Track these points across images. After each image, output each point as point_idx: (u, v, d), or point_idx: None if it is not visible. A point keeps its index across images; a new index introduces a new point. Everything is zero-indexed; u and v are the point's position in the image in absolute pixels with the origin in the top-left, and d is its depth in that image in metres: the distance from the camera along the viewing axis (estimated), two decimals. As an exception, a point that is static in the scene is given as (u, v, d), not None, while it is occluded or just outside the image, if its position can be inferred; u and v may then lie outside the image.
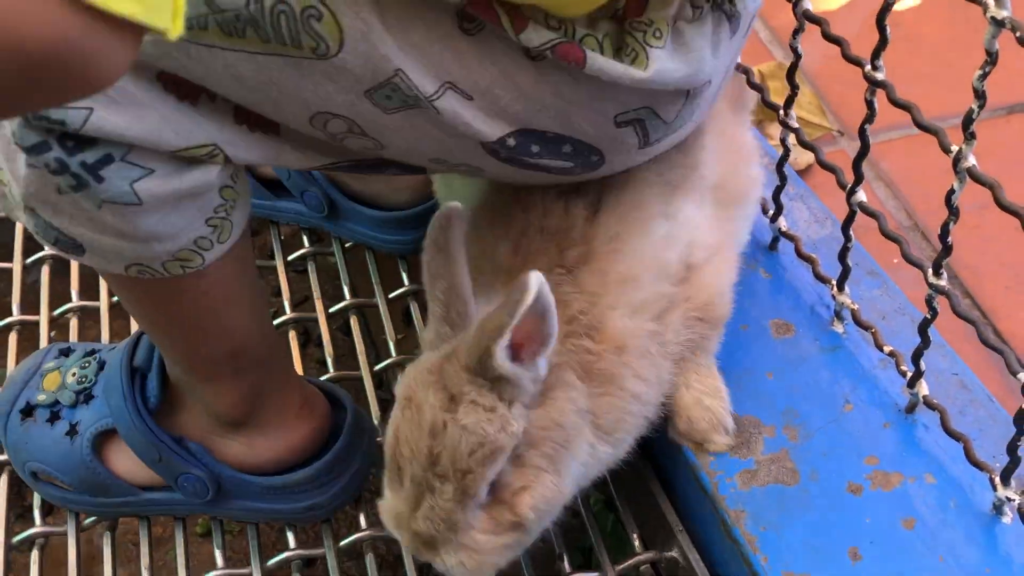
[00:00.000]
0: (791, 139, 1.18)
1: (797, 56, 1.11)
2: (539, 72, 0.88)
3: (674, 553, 1.09)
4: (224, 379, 1.09)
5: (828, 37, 1.04)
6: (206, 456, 1.13)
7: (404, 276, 1.44)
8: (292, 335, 1.37)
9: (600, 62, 0.87)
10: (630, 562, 1.11)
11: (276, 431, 1.15)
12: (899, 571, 0.97)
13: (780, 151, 1.21)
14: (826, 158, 1.11)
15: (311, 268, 1.46)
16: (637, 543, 1.12)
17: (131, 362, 1.14)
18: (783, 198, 1.23)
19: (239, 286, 1.04)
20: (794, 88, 1.14)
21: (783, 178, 1.22)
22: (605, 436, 0.97)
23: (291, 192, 1.44)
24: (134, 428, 1.12)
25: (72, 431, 1.16)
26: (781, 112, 1.16)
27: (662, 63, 0.89)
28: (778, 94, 1.20)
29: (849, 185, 1.07)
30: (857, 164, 1.05)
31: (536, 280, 0.83)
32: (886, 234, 1.04)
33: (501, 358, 0.85)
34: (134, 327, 1.36)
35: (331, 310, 1.40)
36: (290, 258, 1.48)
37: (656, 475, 1.14)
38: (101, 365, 1.20)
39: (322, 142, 0.93)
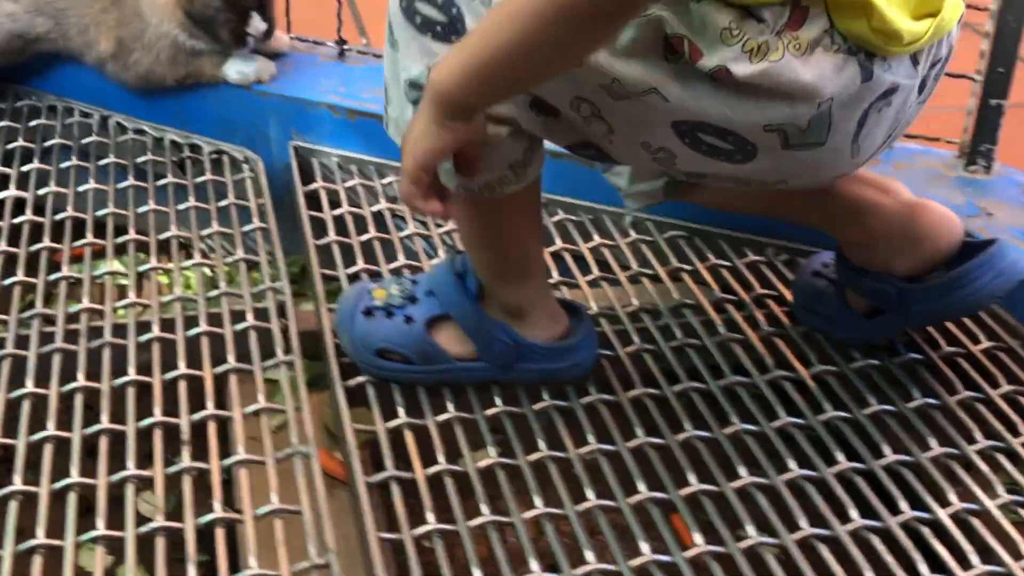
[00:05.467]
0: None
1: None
2: (713, 86, 1.34)
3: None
4: (512, 283, 1.63)
5: None
6: (509, 330, 1.67)
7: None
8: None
9: (745, 69, 1.30)
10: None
11: (543, 323, 1.69)
12: None
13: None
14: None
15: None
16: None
17: (453, 270, 1.69)
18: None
19: (528, 218, 1.61)
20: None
21: None
22: None
23: None
24: (465, 310, 1.65)
25: (408, 320, 1.67)
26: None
27: (788, 62, 1.30)
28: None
29: None
30: None
31: None
32: None
33: None
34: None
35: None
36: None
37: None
38: (413, 282, 1.74)
39: (579, 124, 1.43)
